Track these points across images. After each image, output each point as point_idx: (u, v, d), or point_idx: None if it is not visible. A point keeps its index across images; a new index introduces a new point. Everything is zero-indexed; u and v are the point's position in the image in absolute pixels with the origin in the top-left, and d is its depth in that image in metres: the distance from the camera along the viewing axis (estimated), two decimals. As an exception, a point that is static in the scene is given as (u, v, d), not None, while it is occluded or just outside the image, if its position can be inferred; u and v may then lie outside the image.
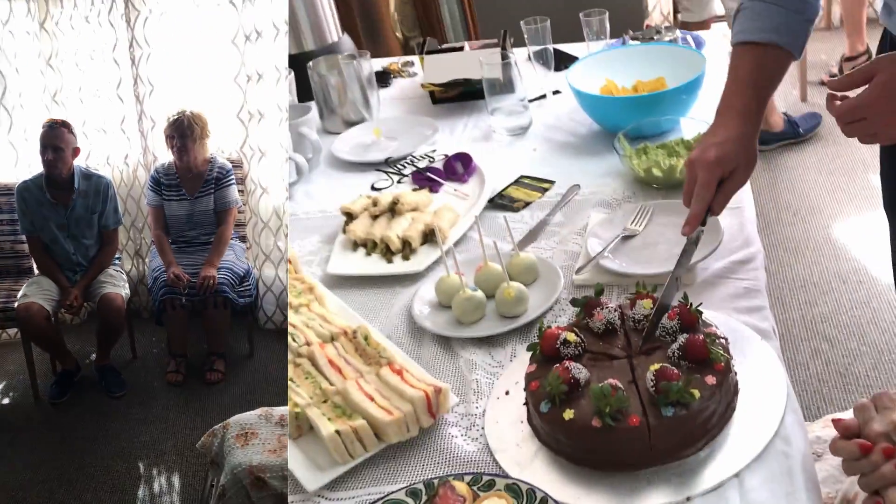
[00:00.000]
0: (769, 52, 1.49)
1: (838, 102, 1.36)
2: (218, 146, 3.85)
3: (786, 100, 4.21)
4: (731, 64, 1.53)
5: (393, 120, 2.30)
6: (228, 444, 2.22)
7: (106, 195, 3.65)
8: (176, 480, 3.05)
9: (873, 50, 4.29)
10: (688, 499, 1.10)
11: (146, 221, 3.95)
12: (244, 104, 3.73)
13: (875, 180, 3.52)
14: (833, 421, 1.10)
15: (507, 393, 1.32)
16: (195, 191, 3.66)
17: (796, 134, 3.94)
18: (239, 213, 3.79)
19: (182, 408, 3.44)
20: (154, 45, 3.84)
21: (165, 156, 3.78)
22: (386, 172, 2.05)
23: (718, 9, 4.07)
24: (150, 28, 3.80)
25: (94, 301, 3.60)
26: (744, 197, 1.67)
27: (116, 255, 3.79)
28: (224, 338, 3.71)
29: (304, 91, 2.37)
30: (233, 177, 3.72)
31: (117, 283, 3.65)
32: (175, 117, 3.60)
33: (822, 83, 4.31)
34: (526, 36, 2.25)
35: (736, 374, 1.21)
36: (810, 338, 2.87)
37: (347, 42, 2.64)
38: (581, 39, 2.37)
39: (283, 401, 2.55)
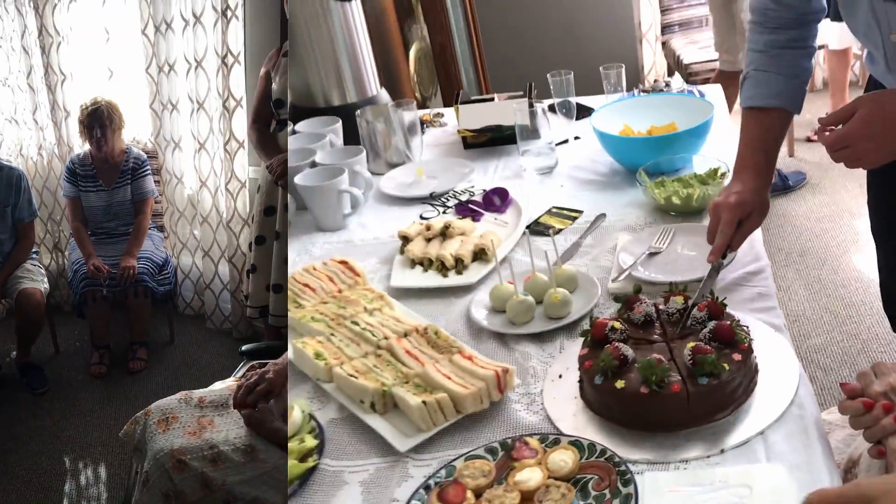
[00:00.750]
0: (773, 115, 1.76)
1: (827, 133, 1.59)
2: (132, 136, 3.89)
3: (775, 155, 4.45)
4: (742, 126, 1.80)
5: (431, 162, 2.51)
6: (150, 431, 2.22)
7: (18, 187, 3.62)
8: (102, 472, 3.08)
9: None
10: (721, 451, 1.29)
11: (64, 213, 3.93)
12: (156, 95, 3.79)
13: (859, 225, 3.75)
14: (841, 384, 1.30)
15: (560, 376, 1.52)
16: (112, 182, 3.68)
17: (785, 186, 4.19)
18: (156, 203, 3.85)
19: (106, 400, 3.45)
20: (65, 34, 3.85)
21: (81, 146, 3.78)
22: (432, 205, 2.26)
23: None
24: (59, 16, 3.83)
25: (11, 297, 3.56)
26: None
27: (34, 249, 3.75)
28: (146, 326, 3.76)
29: (348, 136, 2.58)
30: (149, 167, 3.77)
31: (35, 278, 3.62)
32: (91, 107, 3.63)
33: (808, 140, 4.58)
34: (552, 87, 2.48)
35: (756, 355, 1.42)
36: (805, 366, 3.01)
37: (385, 95, 2.87)
38: (588, 93, 2.60)
39: (203, 383, 2.57)
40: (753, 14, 1.80)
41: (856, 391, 1.29)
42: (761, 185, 1.72)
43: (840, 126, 1.57)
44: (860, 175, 2.09)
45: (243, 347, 2.74)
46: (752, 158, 1.75)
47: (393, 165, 2.52)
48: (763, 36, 1.78)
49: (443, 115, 2.89)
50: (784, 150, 4.50)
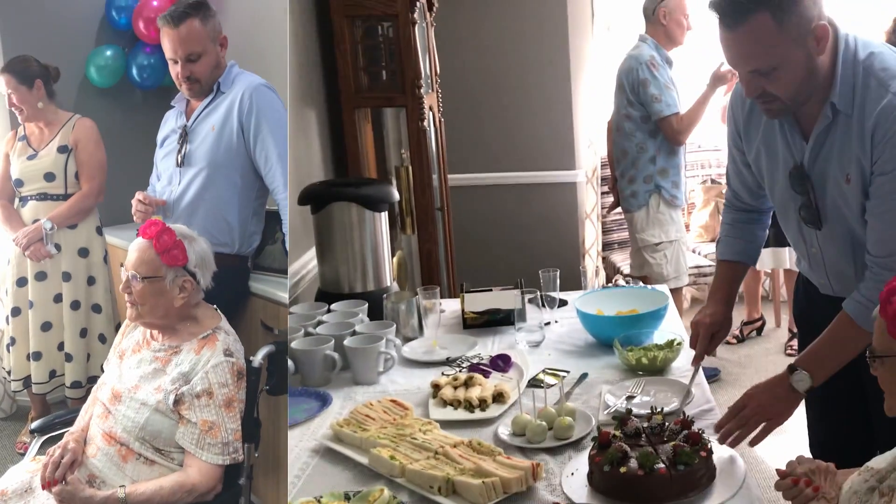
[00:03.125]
0: (738, 266, 2.50)
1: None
2: None
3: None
4: (716, 271, 2.54)
5: (441, 337, 3.04)
6: None
7: None
8: None
9: (767, 316, 5.23)
10: (695, 515, 1.79)
11: None
12: None
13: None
14: (777, 470, 1.82)
15: (572, 474, 2.00)
16: None
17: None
18: None
19: None
20: None
21: None
22: (449, 366, 2.77)
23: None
24: None
25: None
26: (702, 381, 2.44)
27: None
28: None
29: (371, 314, 3.09)
30: None
31: None
32: None
33: (728, 342, 5.24)
34: (542, 281, 3.05)
35: (714, 456, 1.93)
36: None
37: (395, 286, 3.42)
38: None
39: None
40: (726, 199, 2.54)
41: (786, 474, 1.81)
42: (727, 309, 2.44)
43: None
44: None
45: (33, 425, 2.73)
46: (722, 293, 2.46)
47: (408, 339, 3.04)
48: (731, 214, 2.51)
49: (441, 304, 3.44)
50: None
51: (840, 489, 1.76)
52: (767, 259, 5.04)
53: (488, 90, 5.32)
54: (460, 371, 2.72)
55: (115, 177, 3.93)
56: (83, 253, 3.90)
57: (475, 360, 2.78)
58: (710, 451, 1.90)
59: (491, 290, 3.19)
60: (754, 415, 2.11)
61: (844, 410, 2.42)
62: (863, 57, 2.00)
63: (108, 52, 4.29)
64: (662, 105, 4.46)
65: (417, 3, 3.97)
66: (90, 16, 4.34)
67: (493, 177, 5.37)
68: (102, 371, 2.54)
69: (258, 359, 2.44)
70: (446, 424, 2.33)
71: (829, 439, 2.53)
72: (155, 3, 4.08)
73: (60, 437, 2.42)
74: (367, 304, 3.13)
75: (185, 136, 3.17)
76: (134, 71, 4.30)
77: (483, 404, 2.41)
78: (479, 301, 3.10)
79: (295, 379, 2.76)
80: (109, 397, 2.37)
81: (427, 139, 4.07)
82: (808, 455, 2.36)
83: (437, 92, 4.45)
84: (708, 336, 2.35)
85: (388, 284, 3.35)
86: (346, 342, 2.74)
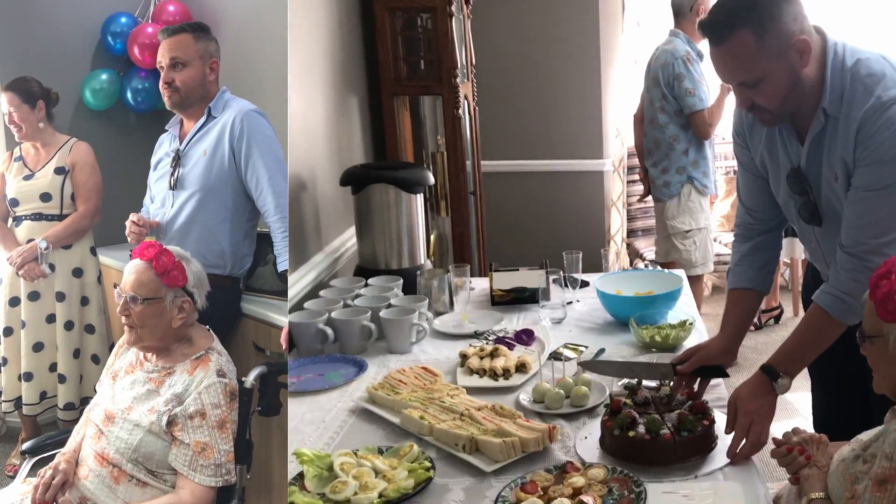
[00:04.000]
0: (749, 294, 2.44)
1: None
2: None
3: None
4: (727, 300, 2.47)
5: (470, 312, 3.18)
6: None
7: None
8: None
9: (785, 305, 5.32)
10: (696, 476, 1.92)
11: None
12: None
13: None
14: (773, 439, 1.95)
15: (585, 438, 2.14)
16: None
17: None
18: None
19: None
20: None
21: None
22: (477, 338, 2.92)
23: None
24: None
25: None
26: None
27: None
28: None
29: (406, 290, 3.24)
30: None
31: None
32: None
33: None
34: (565, 262, 3.19)
35: (716, 425, 2.06)
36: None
37: (428, 264, 3.57)
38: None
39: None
40: (736, 228, 2.51)
41: (782, 442, 1.94)
42: (729, 339, 2.37)
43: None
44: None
45: (24, 446, 2.69)
46: (730, 324, 2.41)
47: (439, 313, 3.19)
48: (743, 245, 2.47)
49: (471, 282, 3.58)
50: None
51: (831, 459, 1.89)
52: (786, 248, 5.12)
53: (521, 81, 5.44)
54: (487, 343, 2.87)
55: (108, 198, 3.95)
56: (77, 273, 3.86)
57: (501, 334, 2.93)
58: (712, 421, 2.04)
59: (518, 269, 3.32)
60: (747, 420, 2.08)
61: (847, 391, 2.53)
62: (850, 64, 2.09)
63: (104, 76, 4.37)
64: (695, 99, 4.56)
65: (455, -3, 4.10)
66: (86, 40, 4.43)
67: (524, 164, 5.51)
68: (95, 392, 2.49)
69: (250, 380, 2.38)
70: (472, 391, 2.47)
71: (831, 418, 2.64)
72: (150, 30, 4.17)
73: (52, 458, 2.37)
74: (401, 280, 3.27)
75: (177, 159, 3.18)
76: (128, 94, 4.39)
77: (507, 373, 2.56)
78: (507, 279, 3.24)
79: (334, 347, 2.92)
80: (102, 418, 2.31)
81: (462, 126, 4.20)
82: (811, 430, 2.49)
83: (473, 81, 4.58)
84: (692, 352, 2.33)
85: (422, 262, 3.50)
86: (381, 314, 2.89)
